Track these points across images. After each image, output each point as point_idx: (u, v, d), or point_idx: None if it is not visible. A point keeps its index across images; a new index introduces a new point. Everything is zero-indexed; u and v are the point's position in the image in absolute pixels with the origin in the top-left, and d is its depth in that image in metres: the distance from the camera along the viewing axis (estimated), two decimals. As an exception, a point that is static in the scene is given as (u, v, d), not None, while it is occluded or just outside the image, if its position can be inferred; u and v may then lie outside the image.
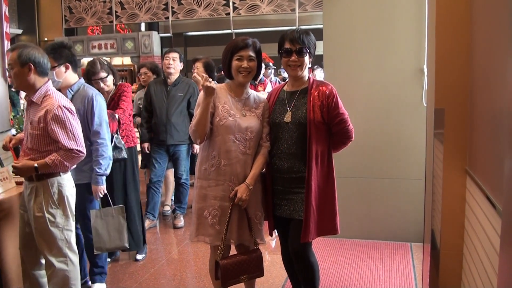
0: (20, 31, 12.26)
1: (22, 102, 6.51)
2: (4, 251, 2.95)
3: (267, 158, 2.70)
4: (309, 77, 2.70)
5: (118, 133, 3.72)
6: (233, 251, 2.81)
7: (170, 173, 5.17)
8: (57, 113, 2.62)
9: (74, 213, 2.83)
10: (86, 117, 3.08)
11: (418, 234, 4.05)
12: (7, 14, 4.91)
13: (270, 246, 4.31)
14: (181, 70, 4.87)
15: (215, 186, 2.64)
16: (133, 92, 5.09)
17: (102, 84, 3.72)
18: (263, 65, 3.02)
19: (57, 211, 2.72)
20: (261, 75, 5.75)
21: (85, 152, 2.76)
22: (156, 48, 11.57)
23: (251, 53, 2.62)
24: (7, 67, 3.71)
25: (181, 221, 4.90)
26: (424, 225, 3.37)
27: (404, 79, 4.05)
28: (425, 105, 3.85)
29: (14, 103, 6.37)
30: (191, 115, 4.73)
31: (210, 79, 2.52)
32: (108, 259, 3.96)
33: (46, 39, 12.17)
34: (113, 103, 3.85)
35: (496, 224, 1.61)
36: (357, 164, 4.21)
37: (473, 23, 2.15)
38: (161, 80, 4.89)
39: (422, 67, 3.98)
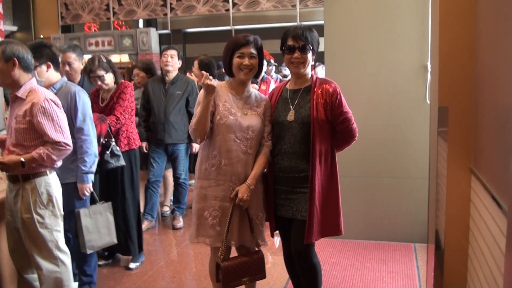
0: (15, 28, 12.25)
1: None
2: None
3: (268, 157, 2.70)
4: (312, 75, 2.71)
5: (112, 139, 3.65)
6: (233, 253, 2.81)
7: (169, 173, 5.17)
8: (44, 106, 2.63)
9: (62, 213, 2.83)
10: (70, 113, 3.06)
11: (422, 234, 4.05)
12: (1, 11, 4.92)
13: (274, 246, 4.30)
14: (179, 68, 4.87)
15: (216, 186, 2.64)
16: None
17: (100, 82, 3.72)
18: (265, 62, 3.02)
19: (46, 211, 2.71)
20: (263, 73, 5.74)
21: (71, 145, 2.76)
22: (154, 45, 11.56)
23: (253, 50, 2.61)
24: None
25: (180, 222, 4.90)
26: (428, 225, 3.37)
27: (407, 76, 4.05)
28: (428, 102, 3.85)
29: (9, 102, 6.36)
30: (189, 114, 4.73)
31: (211, 77, 2.51)
32: (103, 262, 3.95)
33: (42, 36, 12.16)
34: (112, 102, 3.80)
35: (502, 224, 1.61)
36: (359, 163, 4.21)
37: (478, 17, 2.14)
38: (159, 78, 4.89)
39: (426, 64, 3.98)
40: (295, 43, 2.58)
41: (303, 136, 2.61)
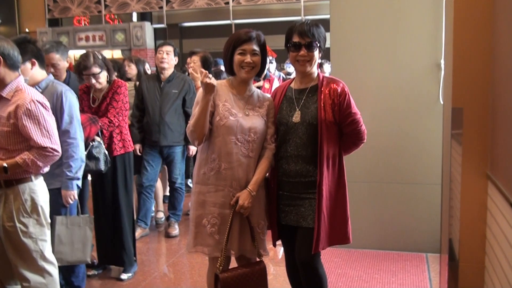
0: (-3, 22, 12.28)
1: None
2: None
3: (271, 161, 2.70)
4: (318, 74, 2.71)
5: (101, 141, 3.63)
6: (233, 263, 2.81)
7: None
8: (29, 108, 2.61)
9: (49, 221, 2.82)
10: (56, 115, 3.03)
11: (434, 244, 4.05)
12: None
13: (277, 256, 4.30)
14: (176, 65, 4.87)
15: (215, 192, 2.64)
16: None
17: (93, 81, 3.67)
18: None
19: (30, 220, 2.70)
20: (266, 71, 5.75)
21: (60, 151, 2.75)
22: (149, 41, 11.60)
23: (255, 47, 2.62)
24: None
25: (175, 229, 4.90)
26: (441, 234, 3.37)
27: (418, 75, 4.05)
28: (442, 103, 3.85)
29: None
30: (186, 114, 4.74)
31: (210, 75, 2.52)
32: (92, 272, 3.94)
33: (27, 30, 12.17)
34: (106, 103, 3.78)
35: (521, 234, 1.61)
36: (367, 168, 4.21)
37: (497, 11, 2.14)
38: (154, 75, 4.89)
39: (439, 62, 3.98)
40: (301, 40, 2.58)
41: (309, 138, 2.61)
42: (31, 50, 3.08)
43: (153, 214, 5.27)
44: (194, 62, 4.97)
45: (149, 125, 4.73)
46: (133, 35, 11.43)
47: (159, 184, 5.22)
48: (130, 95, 4.61)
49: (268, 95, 2.83)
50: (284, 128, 2.68)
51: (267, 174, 2.74)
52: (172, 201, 5.00)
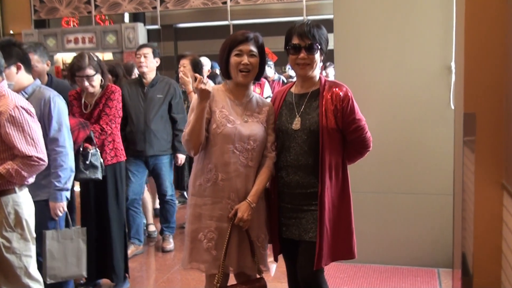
0: (-21, 23, 12.29)
1: None
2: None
3: (272, 171, 2.69)
4: (320, 77, 2.71)
5: (96, 148, 3.62)
6: (232, 280, 2.79)
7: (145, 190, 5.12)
8: (13, 114, 2.61)
9: (34, 235, 2.80)
10: (43, 122, 3.04)
11: (446, 258, 4.03)
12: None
13: (269, 274, 4.26)
14: (158, 68, 4.83)
15: (212, 205, 2.62)
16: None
17: (86, 83, 3.66)
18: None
19: (13, 234, 2.69)
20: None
21: (46, 160, 2.74)
22: (142, 43, 11.61)
23: (252, 48, 2.62)
24: None
25: (170, 244, 4.87)
26: (453, 248, 3.36)
27: (428, 78, 4.06)
28: (452, 108, 3.85)
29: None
30: (173, 120, 4.73)
31: (205, 80, 2.51)
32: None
33: (11, 32, 12.18)
34: (99, 109, 3.77)
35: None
36: (373, 177, 4.21)
37: (510, 10, 2.14)
38: (136, 80, 4.87)
39: (450, 64, 3.98)
40: (301, 42, 2.58)
41: (310, 146, 2.60)
42: (17, 54, 3.07)
43: (144, 228, 5.26)
44: (184, 66, 4.95)
45: (133, 134, 4.66)
46: (125, 37, 11.44)
47: (147, 195, 5.19)
48: None
49: (268, 100, 2.83)
50: (283, 135, 2.67)
51: (268, 184, 2.73)
52: (164, 214, 4.94)
